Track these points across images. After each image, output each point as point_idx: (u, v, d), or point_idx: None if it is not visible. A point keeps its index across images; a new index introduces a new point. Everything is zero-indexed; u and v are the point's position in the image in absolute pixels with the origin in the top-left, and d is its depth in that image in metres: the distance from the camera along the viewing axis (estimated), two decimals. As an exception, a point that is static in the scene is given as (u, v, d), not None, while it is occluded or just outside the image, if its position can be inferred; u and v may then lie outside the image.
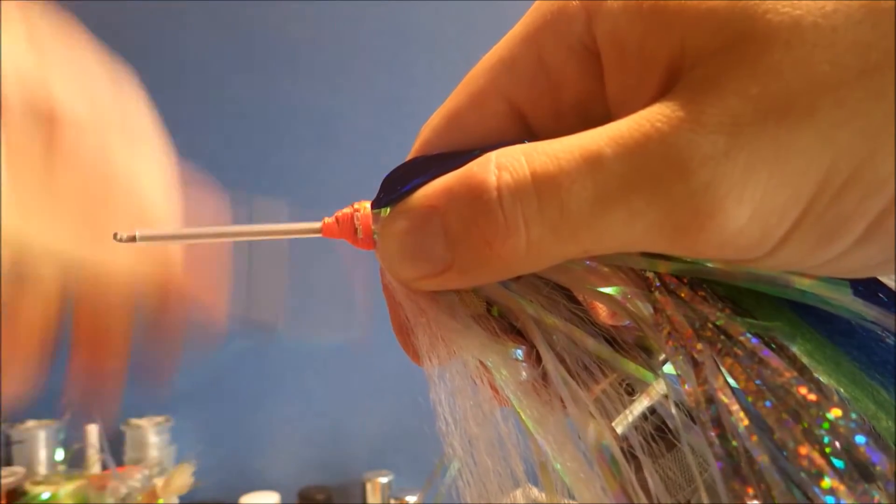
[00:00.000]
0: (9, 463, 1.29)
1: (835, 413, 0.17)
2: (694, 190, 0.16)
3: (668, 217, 0.17)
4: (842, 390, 0.20)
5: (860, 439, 0.16)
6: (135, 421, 1.35)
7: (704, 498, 0.19)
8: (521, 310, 0.22)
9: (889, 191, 0.15)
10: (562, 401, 0.21)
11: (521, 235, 0.18)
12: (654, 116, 0.17)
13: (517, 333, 0.23)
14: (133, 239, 0.23)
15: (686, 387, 0.19)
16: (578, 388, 0.21)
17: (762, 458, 0.16)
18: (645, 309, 0.22)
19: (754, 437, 0.17)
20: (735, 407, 0.17)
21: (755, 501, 0.16)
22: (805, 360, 0.20)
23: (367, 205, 0.23)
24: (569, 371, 0.21)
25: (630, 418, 0.21)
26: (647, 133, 0.17)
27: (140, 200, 0.23)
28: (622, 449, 0.20)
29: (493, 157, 0.19)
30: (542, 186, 0.18)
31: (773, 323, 0.20)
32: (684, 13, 0.17)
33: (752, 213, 0.16)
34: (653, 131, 0.16)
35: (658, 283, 0.21)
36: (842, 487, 0.16)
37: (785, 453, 0.17)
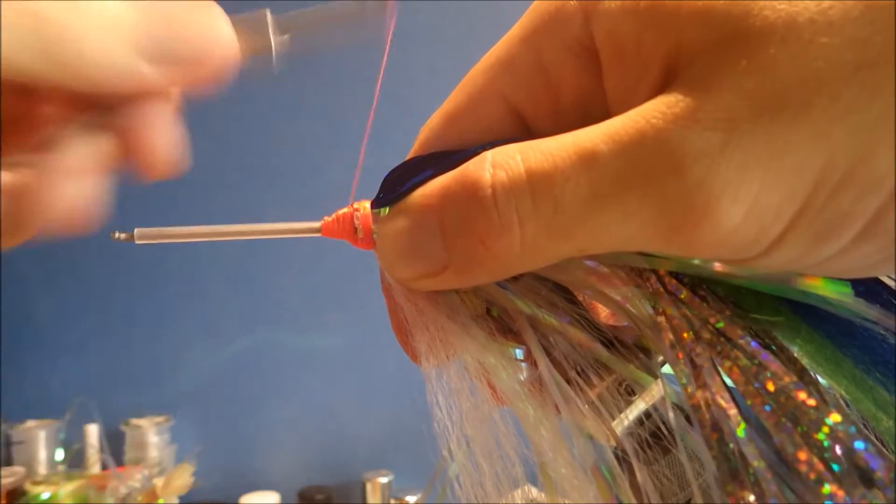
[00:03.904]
0: (9, 463, 1.30)
1: (834, 418, 0.16)
2: (688, 187, 0.16)
3: (662, 215, 0.16)
4: (842, 391, 0.19)
5: (859, 445, 0.16)
6: (135, 421, 1.35)
7: (699, 501, 0.19)
8: (518, 311, 0.22)
9: (887, 188, 0.15)
10: (557, 404, 0.21)
11: (514, 233, 0.18)
12: (649, 113, 0.17)
13: (518, 334, 0.23)
14: (132, 238, 0.23)
15: (685, 389, 0.18)
16: (574, 392, 0.21)
17: (759, 463, 0.16)
18: (644, 310, 0.22)
19: (752, 442, 0.17)
20: (733, 411, 0.17)
21: None
22: (805, 360, 0.20)
23: (367, 204, 0.23)
24: (565, 374, 0.21)
25: (625, 422, 0.21)
26: (642, 130, 0.16)
27: None
28: (616, 454, 0.20)
29: (488, 155, 0.19)
30: (537, 184, 0.18)
31: (774, 318, 0.20)
32: (681, 11, 0.17)
33: (748, 211, 0.16)
34: (648, 128, 0.16)
35: (658, 284, 0.21)
36: (840, 492, 0.15)
37: (784, 458, 0.17)
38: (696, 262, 0.20)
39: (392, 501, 1.35)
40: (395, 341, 0.25)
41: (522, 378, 0.23)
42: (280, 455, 1.45)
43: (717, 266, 0.19)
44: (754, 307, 0.20)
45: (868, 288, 0.20)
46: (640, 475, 0.20)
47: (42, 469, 1.31)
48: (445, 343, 0.22)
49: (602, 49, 0.19)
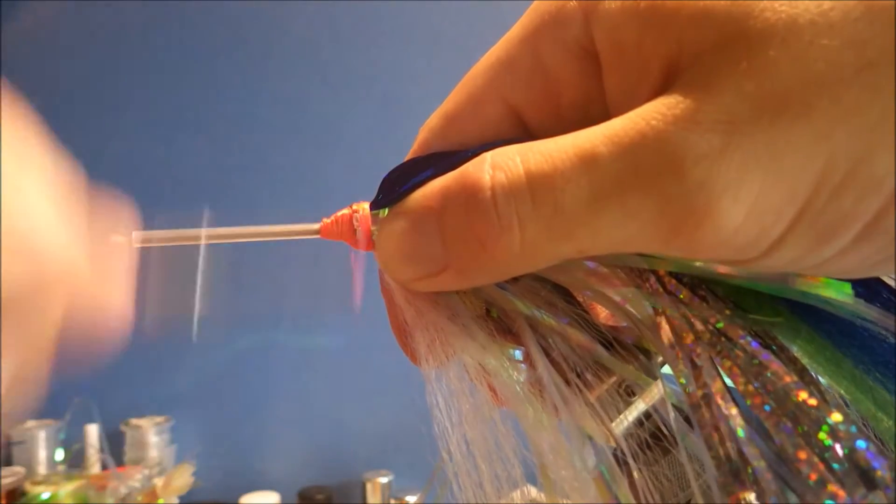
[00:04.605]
0: (9, 463, 1.30)
1: (835, 418, 0.16)
2: (688, 189, 0.16)
3: (662, 216, 0.16)
4: (842, 391, 0.19)
5: (861, 444, 0.16)
6: (135, 421, 1.35)
7: (699, 501, 0.19)
8: (518, 312, 0.22)
9: (887, 189, 0.15)
10: (556, 406, 0.21)
11: (514, 235, 0.18)
12: (649, 114, 0.17)
13: (518, 335, 0.23)
14: (130, 243, 0.23)
15: (684, 389, 0.18)
16: (572, 393, 0.21)
17: (759, 463, 0.16)
18: (644, 310, 0.22)
19: (752, 442, 0.17)
20: (733, 411, 0.17)
21: None
22: (805, 361, 0.20)
23: (366, 206, 0.23)
24: (564, 375, 0.21)
25: (625, 423, 0.21)
26: (643, 131, 0.16)
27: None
28: (616, 455, 0.20)
29: (488, 156, 0.19)
30: (537, 185, 0.18)
31: (775, 318, 0.20)
32: (681, 12, 0.17)
33: (748, 212, 0.16)
34: (648, 129, 0.16)
35: (657, 285, 0.21)
36: (841, 493, 0.15)
37: (784, 457, 0.17)
38: (697, 262, 0.20)
39: (392, 501, 1.35)
40: (395, 342, 0.25)
41: (522, 379, 0.23)
42: (280, 455, 1.45)
43: (718, 267, 0.19)
44: (754, 307, 0.20)
45: (868, 288, 0.20)
46: (640, 476, 0.20)
47: (42, 469, 1.31)
48: (445, 344, 0.22)
49: (602, 50, 0.19)
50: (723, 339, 0.19)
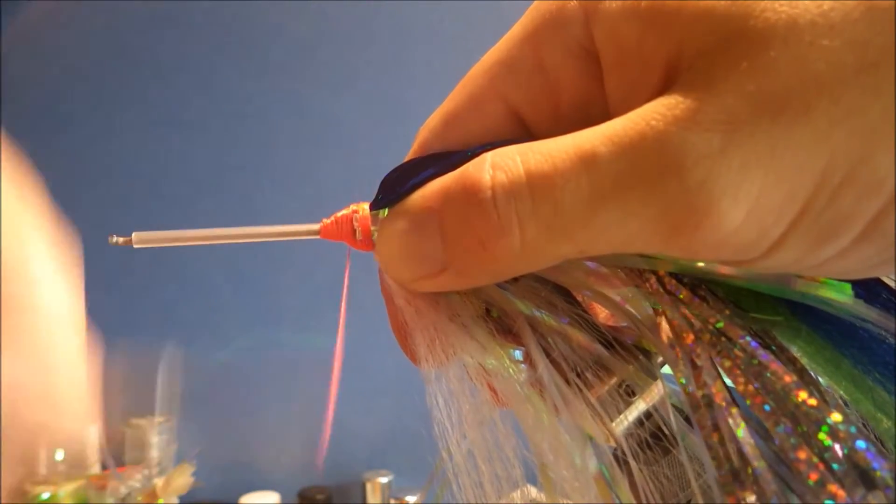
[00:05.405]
0: (9, 463, 1.29)
1: (834, 418, 0.16)
2: (688, 189, 0.16)
3: (662, 216, 0.16)
4: (841, 392, 0.19)
5: (860, 444, 0.16)
6: (135, 421, 1.35)
7: (699, 501, 0.19)
8: (518, 312, 0.22)
9: (887, 190, 0.15)
10: (556, 406, 0.21)
11: (514, 235, 0.18)
12: (649, 114, 0.17)
13: (518, 335, 0.23)
14: (130, 243, 0.23)
15: (684, 389, 0.18)
16: (573, 393, 0.21)
17: (759, 463, 0.16)
18: (644, 310, 0.22)
19: (752, 442, 0.17)
20: (733, 411, 0.17)
21: None
22: (805, 361, 0.20)
23: (366, 206, 0.23)
24: (565, 375, 0.21)
25: (625, 423, 0.21)
26: (643, 131, 0.16)
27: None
28: (616, 455, 0.20)
29: (488, 157, 0.19)
30: (537, 185, 0.18)
31: (774, 318, 0.20)
32: (682, 12, 0.17)
33: (748, 212, 0.16)
34: (648, 129, 0.16)
35: (657, 285, 0.21)
36: (841, 493, 0.15)
37: (784, 458, 0.17)
38: (697, 263, 0.20)
39: (392, 501, 1.35)
40: (395, 342, 0.25)
41: (522, 379, 0.23)
42: (280, 455, 1.45)
43: (718, 267, 0.19)
44: (754, 307, 0.20)
45: (868, 289, 0.20)
46: (640, 476, 0.20)
47: (42, 469, 1.31)
48: (445, 344, 0.22)
49: (602, 50, 0.19)
50: (723, 339, 0.19)
